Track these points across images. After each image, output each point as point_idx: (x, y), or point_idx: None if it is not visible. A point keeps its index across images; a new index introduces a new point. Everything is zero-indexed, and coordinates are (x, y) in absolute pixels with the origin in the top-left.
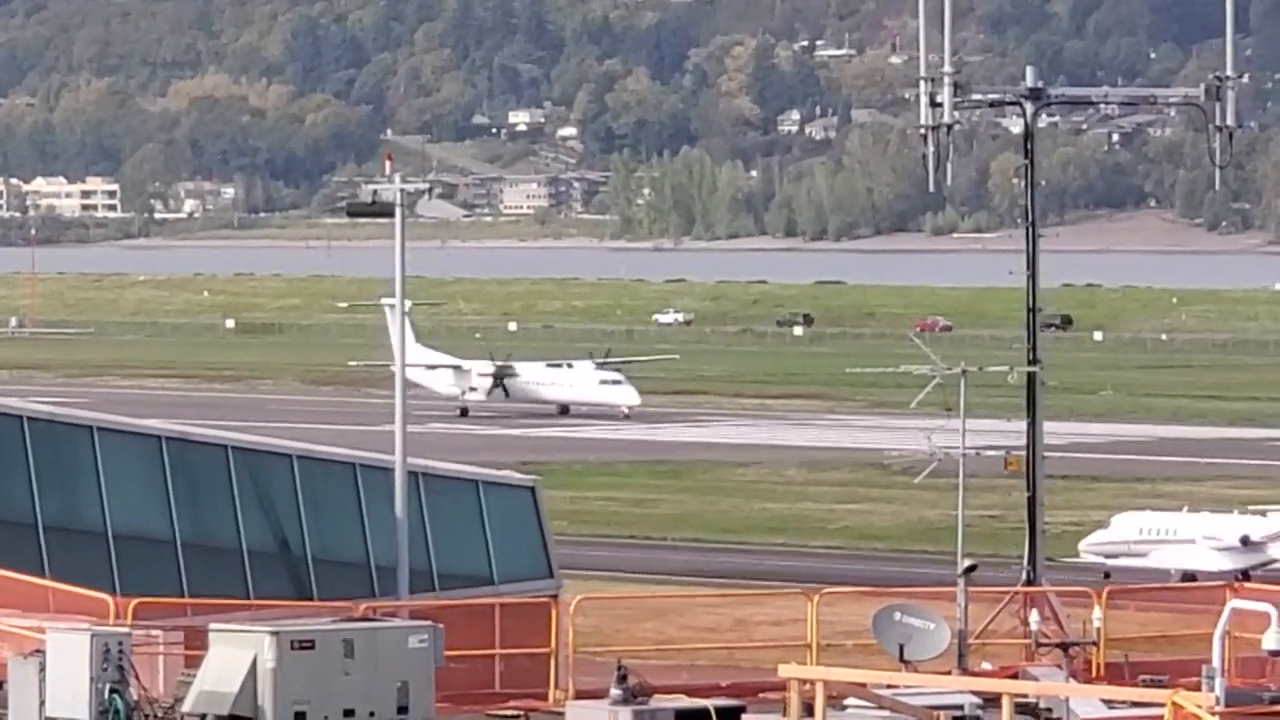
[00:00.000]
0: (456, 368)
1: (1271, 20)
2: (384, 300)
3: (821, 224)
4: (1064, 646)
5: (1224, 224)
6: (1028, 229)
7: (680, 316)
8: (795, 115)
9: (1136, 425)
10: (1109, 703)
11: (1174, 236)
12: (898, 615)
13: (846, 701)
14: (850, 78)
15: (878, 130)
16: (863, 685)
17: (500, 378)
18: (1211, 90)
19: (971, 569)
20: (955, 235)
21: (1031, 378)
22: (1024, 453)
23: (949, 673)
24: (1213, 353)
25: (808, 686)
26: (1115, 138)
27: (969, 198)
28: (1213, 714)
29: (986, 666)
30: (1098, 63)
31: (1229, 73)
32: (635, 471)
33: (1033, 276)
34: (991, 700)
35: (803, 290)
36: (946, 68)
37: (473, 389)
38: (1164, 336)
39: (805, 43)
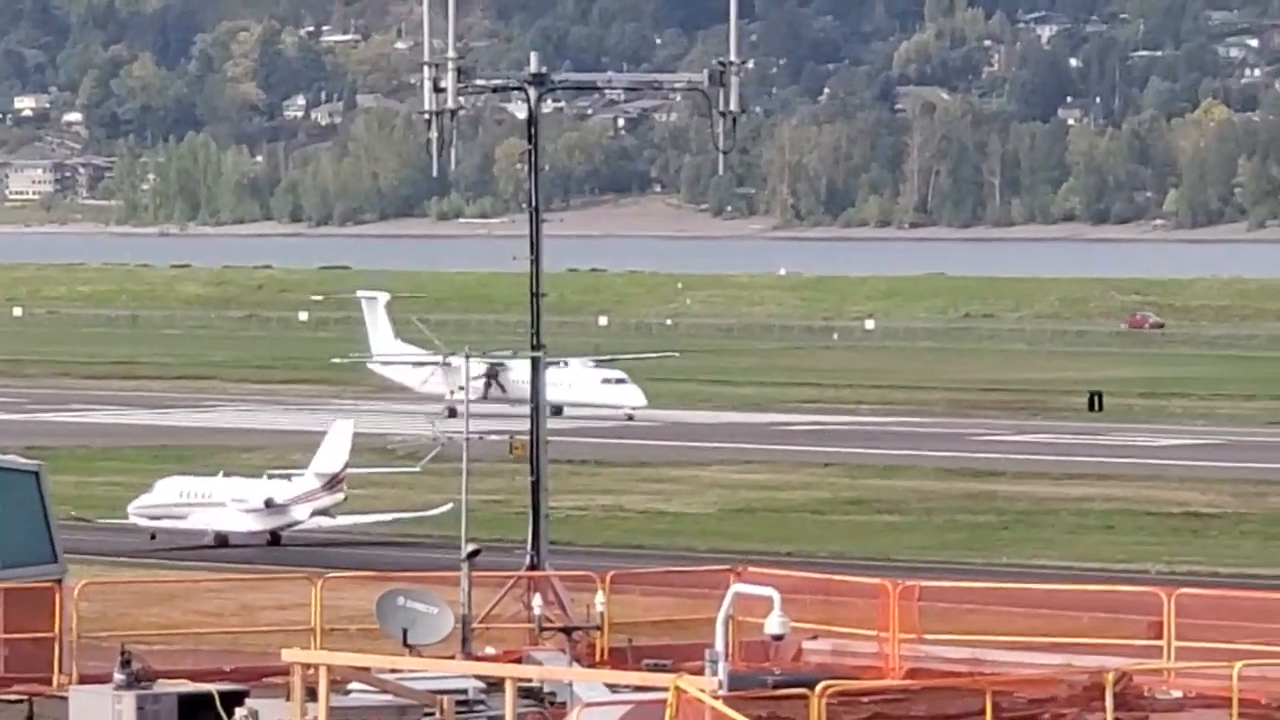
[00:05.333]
0: (445, 365)
1: (776, 6)
2: (361, 293)
3: (327, 209)
4: (567, 631)
5: (729, 209)
6: (532, 214)
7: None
8: (301, 101)
9: (642, 410)
10: (612, 687)
11: (679, 221)
12: (401, 600)
13: (350, 686)
14: (355, 63)
15: (383, 116)
16: (366, 670)
17: (492, 376)
18: (715, 76)
19: (475, 553)
20: (460, 220)
21: (536, 363)
22: (528, 437)
23: (452, 657)
24: (718, 338)
25: (311, 671)
26: (620, 123)
27: (474, 183)
28: (715, 698)
29: (490, 651)
30: (603, 48)
31: (733, 58)
32: (141, 456)
33: (536, 261)
34: (495, 684)
35: (308, 275)
36: (450, 53)
37: (461, 387)
38: (669, 321)
39: (311, 28)
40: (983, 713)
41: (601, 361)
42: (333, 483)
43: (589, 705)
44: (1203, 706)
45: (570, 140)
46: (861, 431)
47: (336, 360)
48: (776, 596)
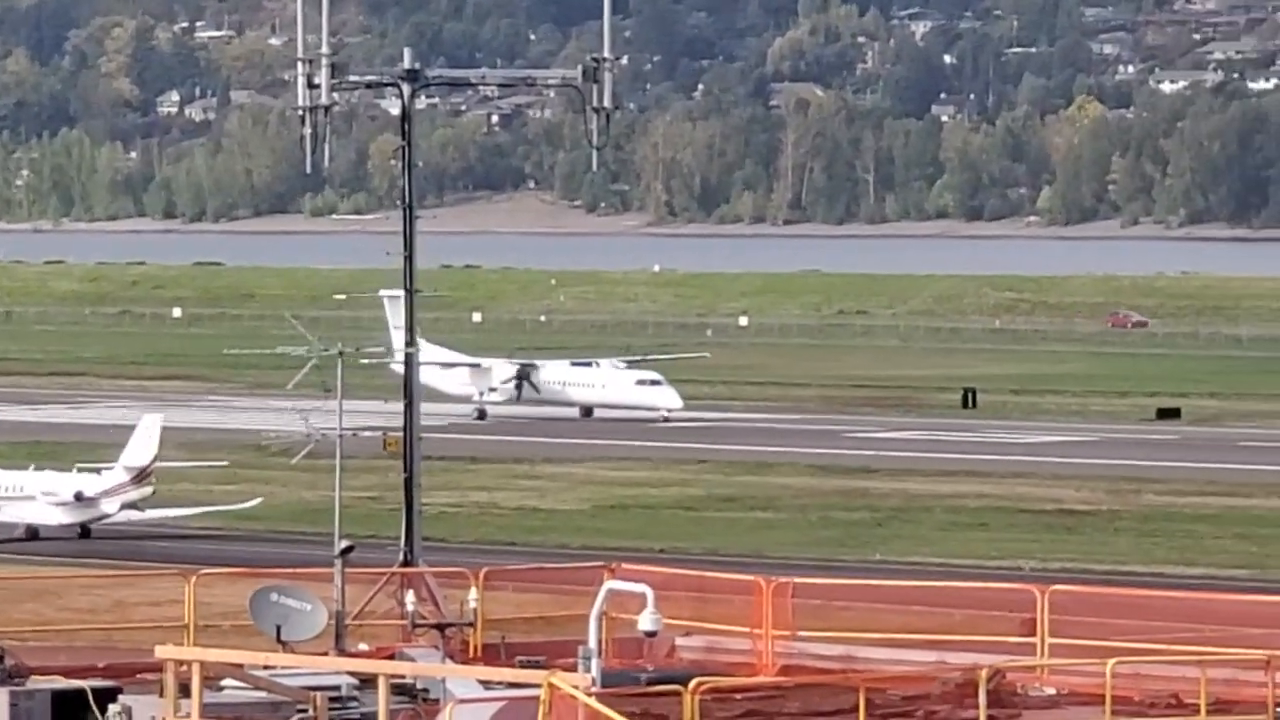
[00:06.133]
0: (475, 366)
1: (650, 3)
2: (383, 292)
3: (201, 206)
4: (441, 627)
5: (603, 206)
6: (405, 210)
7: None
8: (175, 97)
9: (516, 406)
10: (486, 683)
11: (553, 218)
12: (275, 596)
13: (223, 682)
14: (230, 59)
15: (257, 112)
16: (239, 666)
17: (523, 377)
18: (589, 72)
19: (349, 550)
20: (334, 216)
21: (409, 359)
22: (402, 434)
23: (326, 653)
24: (591, 334)
25: (184, 667)
26: (494, 119)
27: (348, 179)
28: (588, 694)
29: (364, 647)
30: (477, 44)
31: (606, 55)
32: (14, 453)
33: (410, 258)
34: (368, 681)
35: (182, 271)
36: (324, 49)
37: (492, 389)
38: (543, 318)
39: (185, 24)
40: (856, 710)
41: (633, 362)
42: (141, 476)
43: (462, 702)
44: (1076, 704)
45: (444, 137)
46: (735, 428)
47: (365, 361)
48: (649, 593)
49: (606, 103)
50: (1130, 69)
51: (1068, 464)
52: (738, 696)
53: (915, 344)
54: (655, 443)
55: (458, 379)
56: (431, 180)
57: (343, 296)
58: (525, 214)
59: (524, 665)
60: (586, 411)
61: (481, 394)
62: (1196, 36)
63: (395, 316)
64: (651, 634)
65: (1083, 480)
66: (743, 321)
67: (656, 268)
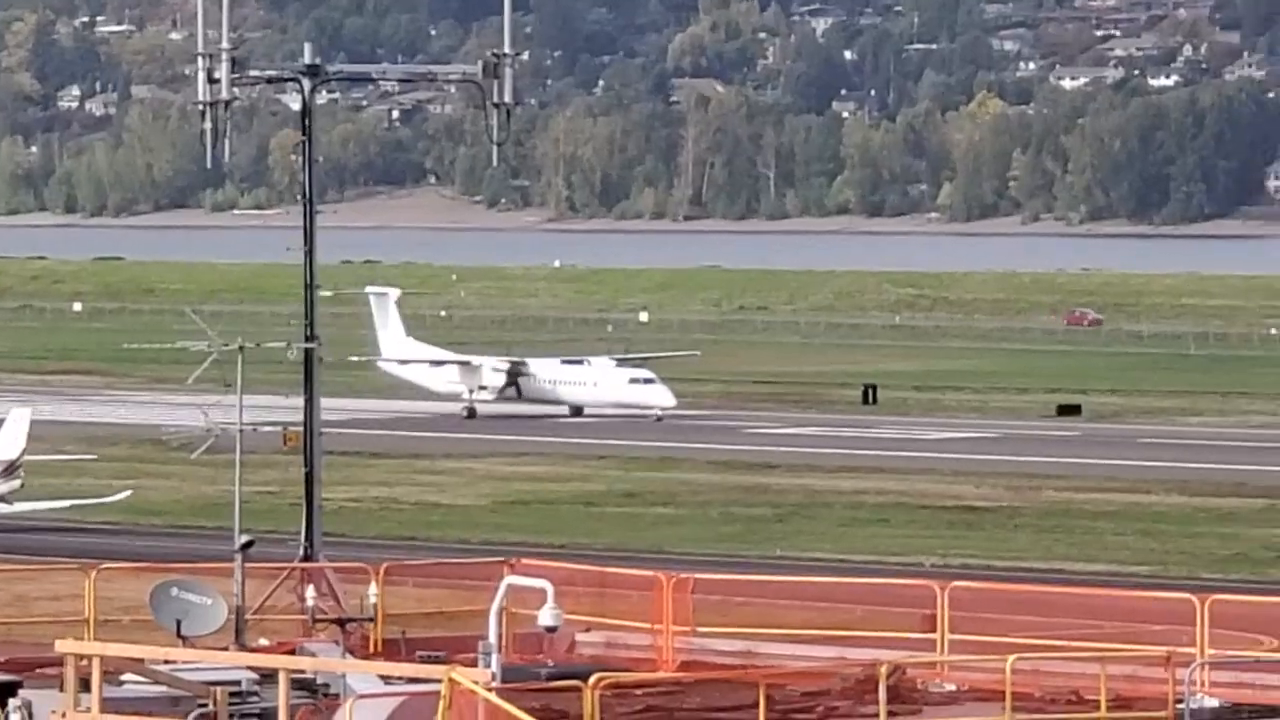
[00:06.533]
0: (464, 364)
1: None
2: (370, 289)
3: (101, 200)
4: (341, 622)
5: (503, 201)
6: (305, 205)
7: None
8: (76, 91)
9: (415, 402)
10: (386, 678)
11: (454, 213)
12: (175, 591)
13: (124, 677)
14: (130, 54)
15: (158, 106)
16: (140, 660)
17: (514, 375)
18: (489, 68)
19: (249, 545)
20: (235, 211)
21: (309, 354)
22: (302, 429)
23: (226, 648)
24: (492, 329)
25: (85, 662)
26: (395, 114)
27: (249, 174)
28: (488, 690)
29: (264, 642)
30: (378, 40)
31: (507, 50)
32: None
33: (310, 253)
34: (268, 676)
35: (82, 266)
36: (225, 44)
37: (482, 387)
38: (443, 313)
39: (86, 19)
40: (756, 705)
41: (624, 360)
42: (9, 470)
43: (362, 697)
44: (976, 699)
45: (345, 132)
46: (635, 424)
47: (354, 358)
48: (550, 589)
49: (507, 98)
50: (1031, 66)
51: (968, 460)
52: (638, 692)
53: (816, 340)
54: (556, 438)
55: (445, 377)
56: (332, 175)
57: (329, 293)
58: (426, 209)
59: (424, 660)
60: (577, 410)
61: (471, 392)
62: (1097, 33)
63: (381, 314)
64: (551, 629)
65: (983, 477)
66: (643, 317)
67: (557, 263)
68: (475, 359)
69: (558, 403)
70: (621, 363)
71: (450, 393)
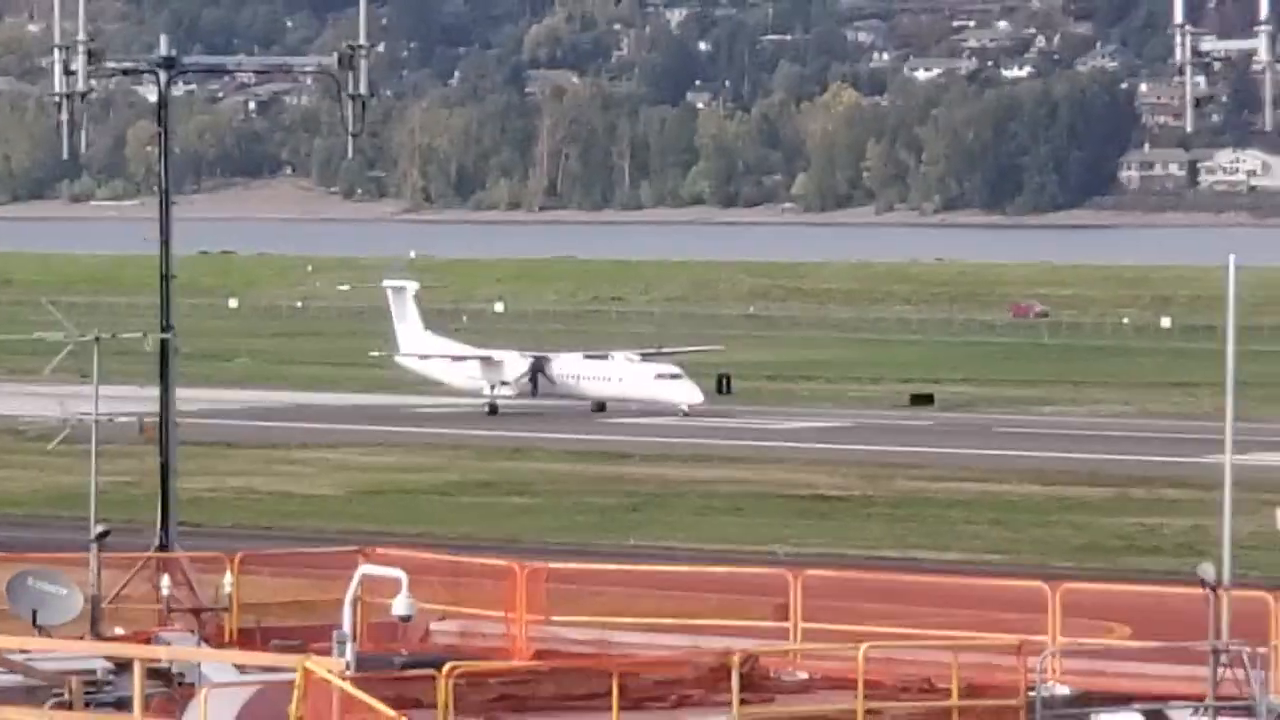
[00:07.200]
0: (486, 359)
1: None
2: (387, 282)
3: None
4: (196, 612)
5: (360, 192)
6: (162, 196)
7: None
8: None
9: (273, 391)
10: (241, 668)
11: (310, 204)
12: (31, 581)
13: None
14: None
15: (14, 98)
16: None
17: (537, 370)
18: (345, 59)
19: (104, 534)
20: (92, 203)
21: (165, 344)
22: (158, 419)
23: (82, 638)
24: (348, 320)
25: None
26: (252, 106)
27: (106, 165)
28: (343, 679)
29: (119, 632)
30: (234, 31)
31: (362, 41)
32: None
33: (166, 244)
34: (124, 665)
35: None
36: (81, 36)
37: (504, 382)
38: (299, 304)
39: None
40: (609, 694)
41: (649, 355)
42: None
43: (217, 686)
44: (828, 688)
45: (201, 123)
46: (486, 414)
47: (374, 354)
48: (404, 578)
49: (362, 90)
50: (885, 57)
51: (822, 449)
52: (492, 680)
53: (670, 330)
54: (412, 428)
55: (465, 372)
56: (189, 166)
57: (346, 287)
58: (282, 200)
59: (279, 649)
60: (600, 406)
61: (493, 387)
62: (951, 24)
63: (399, 307)
64: (406, 618)
65: (837, 466)
66: (498, 308)
67: (412, 254)
68: (497, 354)
69: (580, 398)
70: (646, 357)
71: (470, 388)
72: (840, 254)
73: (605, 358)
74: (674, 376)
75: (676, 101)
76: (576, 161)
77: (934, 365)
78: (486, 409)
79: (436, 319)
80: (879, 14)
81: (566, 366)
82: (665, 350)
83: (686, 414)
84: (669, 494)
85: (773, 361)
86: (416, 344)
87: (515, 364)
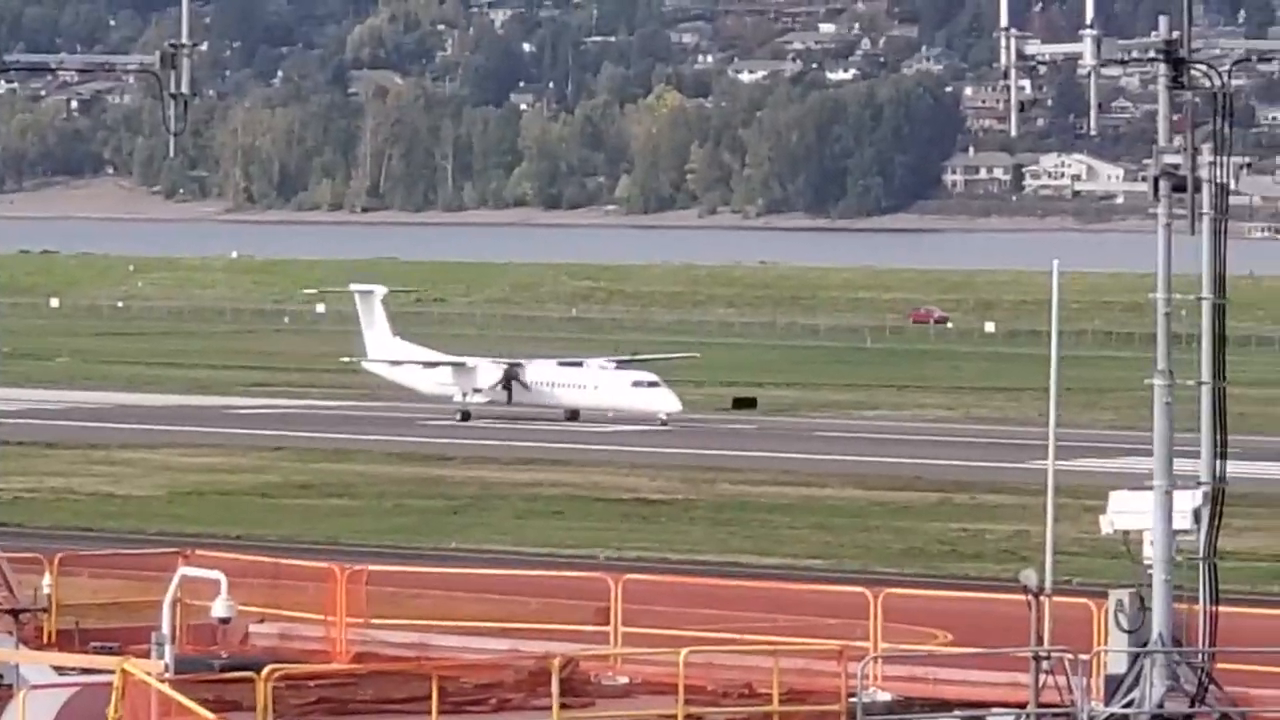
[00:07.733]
0: (459, 365)
1: None
2: (354, 286)
3: None
4: (14, 613)
5: (181, 192)
6: None
7: None
8: None
9: (93, 392)
10: (60, 669)
11: (132, 204)
12: None
13: None
14: None
15: None
16: None
17: (511, 377)
18: (167, 58)
19: None
20: None
21: None
22: None
23: None
24: (168, 320)
25: None
26: (74, 105)
27: None
28: (162, 681)
29: None
30: (57, 29)
31: (185, 40)
32: None
33: None
34: None
35: None
36: None
37: (477, 390)
38: (120, 304)
39: None
40: (429, 697)
41: (624, 363)
42: None
43: (36, 688)
44: (649, 692)
45: (23, 122)
46: (312, 415)
47: (345, 359)
48: (223, 580)
49: (185, 89)
50: (709, 58)
51: (644, 453)
52: (311, 683)
53: (492, 332)
54: (233, 429)
55: (436, 378)
56: (10, 165)
57: (312, 290)
58: (104, 199)
59: (98, 651)
60: (573, 414)
61: (465, 394)
62: (776, 26)
63: (367, 313)
64: (225, 620)
65: (658, 469)
66: (320, 309)
67: (234, 254)
68: (470, 360)
69: (554, 406)
70: (622, 365)
71: (440, 395)
72: (664, 256)
73: (580, 365)
74: (651, 384)
75: (500, 103)
76: (399, 162)
77: (757, 368)
78: (459, 416)
79: (257, 319)
80: (703, 15)
81: (541, 374)
82: (640, 357)
83: (664, 423)
84: (490, 496)
85: None
86: (385, 350)
87: (488, 371)
